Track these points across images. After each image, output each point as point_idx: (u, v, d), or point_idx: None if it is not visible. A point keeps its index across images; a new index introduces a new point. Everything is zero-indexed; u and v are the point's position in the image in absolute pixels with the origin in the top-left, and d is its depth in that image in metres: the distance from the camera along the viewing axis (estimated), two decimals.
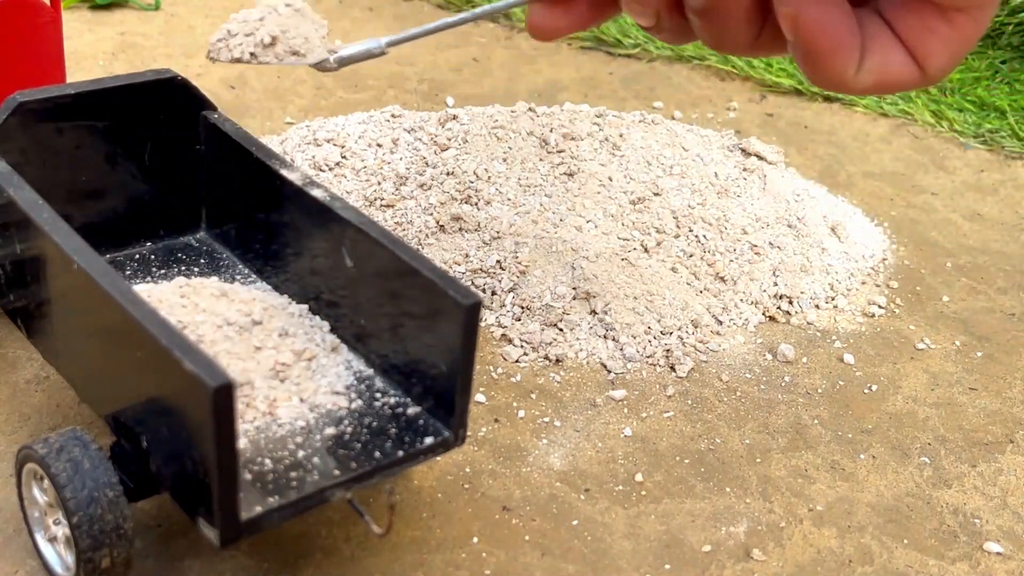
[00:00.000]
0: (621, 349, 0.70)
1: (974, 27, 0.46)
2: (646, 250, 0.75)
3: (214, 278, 0.60)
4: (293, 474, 0.48)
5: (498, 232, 0.74)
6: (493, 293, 0.72)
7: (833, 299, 0.78)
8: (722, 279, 0.75)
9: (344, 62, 0.59)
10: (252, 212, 0.62)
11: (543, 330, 0.70)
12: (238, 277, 0.62)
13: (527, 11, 0.51)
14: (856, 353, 0.73)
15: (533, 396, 0.66)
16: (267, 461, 0.49)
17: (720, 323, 0.73)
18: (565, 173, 0.80)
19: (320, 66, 0.59)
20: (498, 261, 0.73)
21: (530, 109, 0.86)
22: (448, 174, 0.78)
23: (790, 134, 1.04)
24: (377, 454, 0.50)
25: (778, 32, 0.44)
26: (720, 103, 1.09)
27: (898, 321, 0.77)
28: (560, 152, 0.81)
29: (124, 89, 0.61)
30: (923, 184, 0.97)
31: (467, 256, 0.73)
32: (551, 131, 0.82)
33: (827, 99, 1.11)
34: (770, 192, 0.83)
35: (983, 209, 0.94)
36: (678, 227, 0.78)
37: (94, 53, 1.05)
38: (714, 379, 0.69)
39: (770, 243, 0.79)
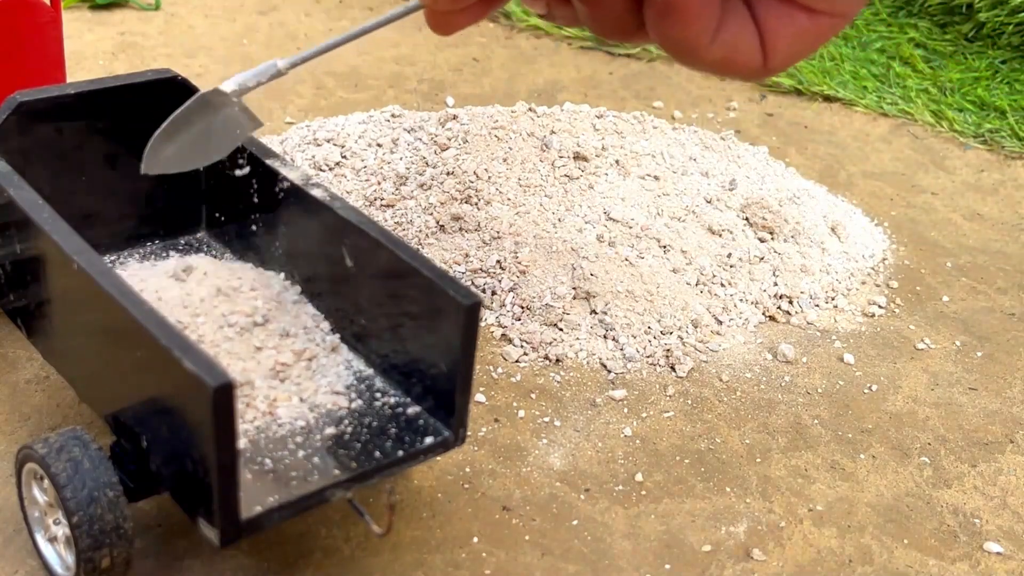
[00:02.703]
0: (621, 349, 0.70)
1: (830, 29, 0.48)
2: (647, 250, 0.75)
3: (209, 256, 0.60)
4: (293, 474, 0.48)
5: (498, 232, 0.74)
6: (493, 293, 0.72)
7: (833, 299, 0.78)
8: (722, 281, 0.75)
9: (240, 93, 0.55)
10: (252, 212, 0.62)
11: (543, 330, 0.70)
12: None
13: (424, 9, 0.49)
14: (856, 353, 0.73)
15: (533, 396, 0.66)
16: (267, 461, 0.49)
17: (720, 323, 0.73)
18: (565, 175, 0.80)
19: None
20: (498, 261, 0.73)
21: (530, 109, 0.86)
22: (448, 174, 0.78)
23: (790, 134, 1.04)
24: (377, 454, 0.50)
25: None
26: (720, 103, 1.09)
27: (898, 321, 0.78)
28: (564, 164, 0.81)
29: (124, 89, 0.61)
30: (923, 184, 0.97)
31: (467, 256, 0.73)
32: (558, 148, 0.82)
33: (827, 99, 1.11)
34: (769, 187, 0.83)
35: (983, 209, 0.94)
36: (679, 228, 0.78)
37: (94, 53, 1.05)
38: (714, 379, 0.69)
39: (770, 244, 0.79)
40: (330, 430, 0.51)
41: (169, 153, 0.51)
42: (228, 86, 0.54)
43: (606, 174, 0.81)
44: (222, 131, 0.53)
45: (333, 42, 0.53)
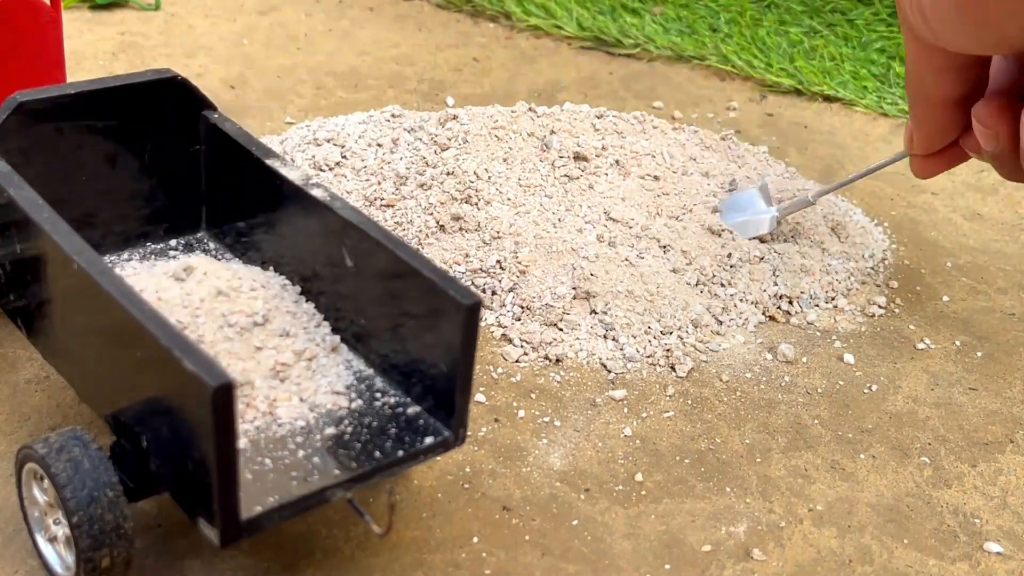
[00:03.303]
0: (621, 349, 0.70)
1: None
2: (646, 250, 0.75)
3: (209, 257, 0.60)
4: (293, 474, 0.48)
5: (498, 232, 0.74)
6: (493, 293, 0.72)
7: (833, 299, 0.78)
8: (722, 281, 0.75)
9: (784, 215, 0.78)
10: (252, 212, 0.62)
11: (543, 330, 0.70)
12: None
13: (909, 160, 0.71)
14: (856, 353, 0.73)
15: (533, 396, 0.66)
16: (267, 461, 0.49)
17: (720, 323, 0.73)
18: (565, 175, 0.80)
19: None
20: (498, 261, 0.73)
21: (530, 109, 0.86)
22: (448, 174, 0.78)
23: (790, 134, 1.04)
24: (377, 454, 0.50)
25: None
26: (720, 103, 1.09)
27: (898, 321, 0.78)
28: (564, 164, 0.81)
29: (124, 89, 0.61)
30: (923, 184, 0.97)
31: (467, 256, 0.73)
32: (558, 148, 0.82)
33: (827, 99, 1.11)
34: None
35: (983, 209, 0.94)
36: (680, 229, 0.78)
37: (94, 53, 1.05)
38: (714, 379, 0.69)
39: (770, 244, 0.79)
40: (330, 430, 0.51)
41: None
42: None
43: (606, 174, 0.81)
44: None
45: (858, 175, 0.77)
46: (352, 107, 0.99)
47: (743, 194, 0.80)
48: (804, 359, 0.72)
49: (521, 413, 0.65)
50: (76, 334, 0.52)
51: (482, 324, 0.71)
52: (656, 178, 0.81)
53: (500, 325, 0.71)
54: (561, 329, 0.71)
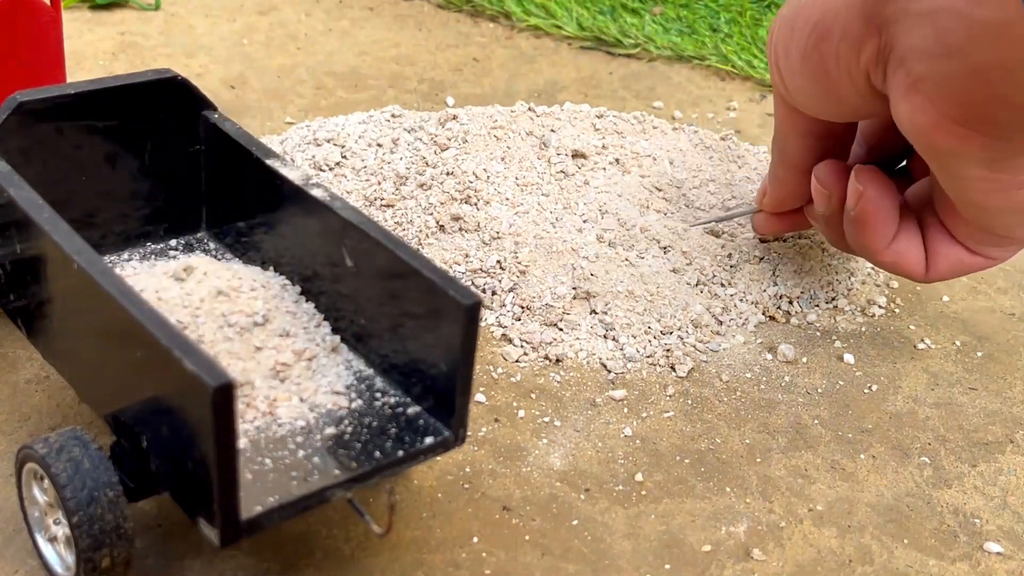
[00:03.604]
0: (621, 349, 0.70)
1: (984, 265, 0.67)
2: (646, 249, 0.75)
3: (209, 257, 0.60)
4: (293, 474, 0.48)
5: (498, 232, 0.74)
6: (493, 293, 0.72)
7: (833, 299, 0.78)
8: (722, 281, 0.75)
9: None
10: (252, 212, 0.62)
11: (543, 330, 0.70)
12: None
13: (752, 216, 0.77)
14: (856, 353, 0.73)
15: (533, 396, 0.66)
16: (267, 461, 0.49)
17: (720, 323, 0.73)
18: (561, 171, 0.80)
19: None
20: (498, 261, 0.73)
21: (530, 109, 0.86)
22: (448, 174, 0.78)
23: None
24: (377, 454, 0.50)
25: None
26: (720, 103, 1.09)
27: (898, 321, 0.78)
28: (562, 164, 0.81)
29: (124, 89, 0.61)
30: None
31: (467, 256, 0.73)
32: (556, 147, 0.82)
33: None
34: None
35: None
36: (680, 229, 0.78)
37: (94, 53, 1.05)
38: (714, 379, 0.69)
39: (770, 244, 0.79)
40: (330, 430, 0.51)
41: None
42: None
43: (604, 169, 0.81)
44: None
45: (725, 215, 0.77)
46: (352, 107, 0.99)
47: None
48: (804, 359, 0.72)
49: (521, 413, 0.65)
50: (76, 334, 0.52)
51: (482, 324, 0.71)
52: (656, 178, 0.81)
53: (500, 325, 0.71)
54: (561, 329, 0.71)
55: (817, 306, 0.77)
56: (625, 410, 0.66)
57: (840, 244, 0.70)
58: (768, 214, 0.74)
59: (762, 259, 0.77)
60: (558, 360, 0.69)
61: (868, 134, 0.70)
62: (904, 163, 0.71)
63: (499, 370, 0.68)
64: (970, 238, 0.63)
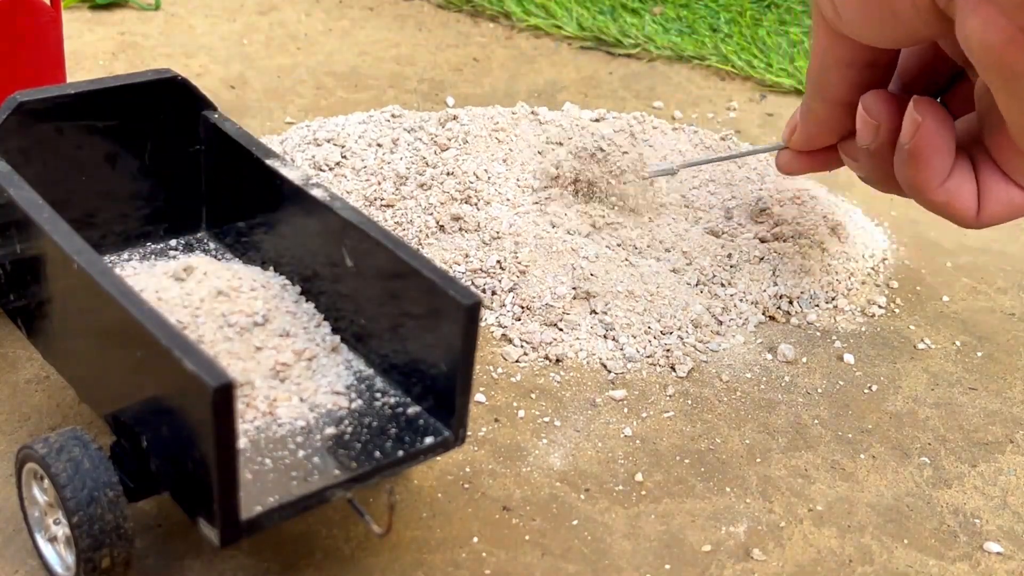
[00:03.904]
0: (621, 349, 0.70)
1: None
2: (646, 248, 0.75)
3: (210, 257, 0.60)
4: (293, 474, 0.48)
5: (498, 232, 0.74)
6: (493, 293, 0.72)
7: (833, 299, 0.78)
8: (722, 281, 0.75)
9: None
10: (252, 212, 0.62)
11: (543, 330, 0.70)
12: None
13: (776, 152, 0.72)
14: (856, 353, 0.73)
15: (533, 396, 0.66)
16: (267, 461, 0.49)
17: (720, 323, 0.74)
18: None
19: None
20: (498, 261, 0.73)
21: (532, 112, 0.86)
22: (448, 174, 0.78)
23: None
24: (377, 454, 0.50)
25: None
26: (720, 103, 1.09)
27: (898, 321, 0.78)
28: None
29: (124, 89, 0.61)
30: None
31: (467, 256, 0.73)
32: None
33: None
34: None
35: None
36: (680, 229, 0.78)
37: (94, 53, 1.05)
38: (714, 379, 0.69)
39: (770, 244, 0.79)
40: (330, 430, 0.51)
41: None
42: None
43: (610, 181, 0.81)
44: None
45: (720, 157, 0.74)
46: (352, 107, 0.99)
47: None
48: (804, 359, 0.72)
49: (521, 413, 0.65)
50: (76, 334, 0.52)
51: (482, 324, 0.71)
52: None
53: (500, 325, 0.71)
54: (561, 329, 0.71)
55: (817, 306, 0.77)
56: (625, 410, 0.66)
57: (882, 183, 0.65)
58: (795, 152, 0.70)
59: (762, 259, 0.77)
60: (558, 360, 0.69)
61: (904, 69, 0.65)
62: (939, 100, 0.65)
63: (499, 370, 0.68)
64: None
